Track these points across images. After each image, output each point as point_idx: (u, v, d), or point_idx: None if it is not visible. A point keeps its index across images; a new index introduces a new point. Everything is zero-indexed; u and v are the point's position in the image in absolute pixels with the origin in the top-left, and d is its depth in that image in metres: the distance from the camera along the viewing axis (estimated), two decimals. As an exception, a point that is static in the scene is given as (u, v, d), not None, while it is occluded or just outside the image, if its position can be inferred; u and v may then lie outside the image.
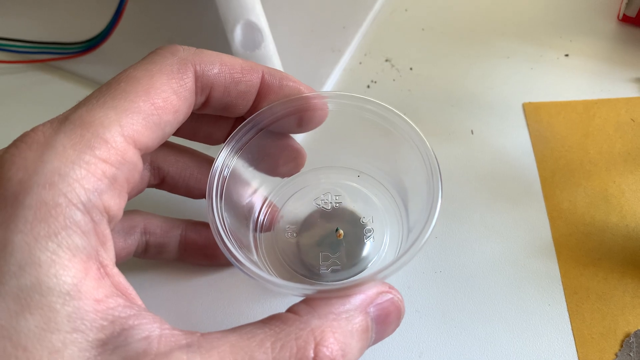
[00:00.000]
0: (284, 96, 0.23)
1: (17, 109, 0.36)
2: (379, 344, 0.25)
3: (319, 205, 0.27)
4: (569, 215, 0.28)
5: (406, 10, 0.39)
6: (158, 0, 0.40)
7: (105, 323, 0.15)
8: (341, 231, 0.26)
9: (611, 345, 0.24)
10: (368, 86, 0.35)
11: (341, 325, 0.17)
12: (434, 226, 0.20)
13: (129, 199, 0.23)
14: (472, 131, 0.32)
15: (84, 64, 0.37)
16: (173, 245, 0.25)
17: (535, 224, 0.28)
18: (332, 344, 0.17)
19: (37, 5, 0.41)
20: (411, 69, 0.36)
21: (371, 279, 0.18)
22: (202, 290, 0.27)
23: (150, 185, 0.25)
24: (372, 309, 0.18)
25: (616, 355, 0.24)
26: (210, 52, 0.21)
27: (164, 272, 0.27)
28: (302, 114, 0.23)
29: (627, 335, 0.24)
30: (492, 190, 0.29)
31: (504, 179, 0.30)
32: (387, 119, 0.23)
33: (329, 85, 0.35)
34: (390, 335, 0.25)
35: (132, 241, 0.24)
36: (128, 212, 0.25)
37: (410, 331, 0.25)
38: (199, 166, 0.25)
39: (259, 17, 0.29)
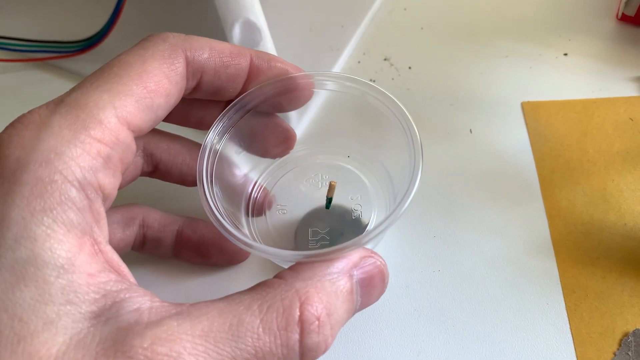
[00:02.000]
0: (273, 77, 0.23)
1: (16, 107, 0.36)
2: (377, 341, 0.25)
3: (310, 184, 0.27)
4: (567, 214, 0.28)
5: (405, 9, 0.39)
6: (157, -1, 0.39)
7: (97, 296, 0.16)
8: (333, 182, 0.26)
9: (609, 344, 0.24)
10: (367, 85, 0.35)
11: (325, 287, 0.18)
12: (414, 194, 0.20)
13: (122, 186, 0.24)
14: (470, 130, 0.32)
15: (83, 63, 0.37)
16: (169, 241, 0.26)
17: (533, 223, 0.28)
18: (316, 303, 0.17)
19: (36, 4, 0.41)
20: (410, 68, 0.36)
21: (353, 244, 0.19)
22: (198, 290, 0.27)
23: (143, 173, 0.25)
24: (355, 272, 0.19)
25: (614, 354, 0.24)
26: (199, 37, 0.22)
27: (161, 270, 0.28)
28: (289, 94, 0.24)
29: (626, 334, 0.24)
30: (490, 189, 0.29)
31: (502, 178, 0.30)
32: (373, 97, 0.24)
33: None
34: (388, 334, 0.25)
35: (131, 232, 0.25)
36: (128, 204, 0.25)
37: (409, 330, 0.25)
38: (191, 153, 0.25)
39: (258, 16, 0.29)
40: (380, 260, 0.20)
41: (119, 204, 0.25)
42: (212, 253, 0.27)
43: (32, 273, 0.15)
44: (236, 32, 0.29)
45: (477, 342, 0.24)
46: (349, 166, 0.28)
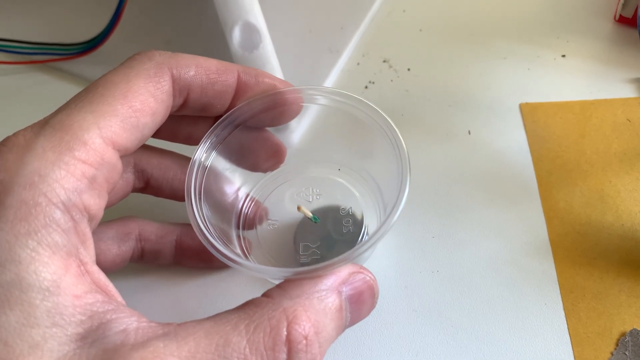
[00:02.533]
0: (261, 93, 0.23)
1: (17, 109, 0.36)
2: (376, 343, 0.25)
3: (300, 198, 0.28)
4: (565, 215, 0.28)
5: (404, 11, 0.40)
6: (157, 1, 0.40)
7: (83, 318, 0.16)
8: (306, 211, 0.26)
9: (607, 344, 0.24)
10: (366, 87, 0.35)
11: (313, 304, 0.18)
12: (402, 209, 0.20)
13: (114, 203, 0.24)
14: (469, 131, 0.32)
15: (84, 65, 0.37)
16: (168, 251, 0.26)
17: (531, 224, 0.28)
18: (304, 322, 0.17)
19: (37, 6, 0.41)
20: (409, 69, 0.36)
21: (342, 259, 0.19)
22: (197, 293, 0.27)
23: (135, 190, 0.25)
24: (345, 289, 0.19)
25: (612, 354, 0.24)
26: (186, 55, 0.22)
27: (159, 275, 0.28)
28: (278, 109, 0.24)
29: (623, 334, 0.24)
30: (489, 190, 0.29)
31: (500, 179, 0.30)
32: (361, 111, 0.24)
33: (327, 86, 0.35)
34: (387, 335, 0.25)
35: (127, 247, 0.25)
36: (123, 218, 0.25)
37: (407, 330, 0.25)
38: (182, 168, 0.25)
39: (257, 18, 0.29)
40: (370, 275, 0.20)
41: (113, 217, 0.25)
42: (215, 257, 0.26)
43: (17, 296, 0.15)
44: (236, 34, 0.29)
45: (475, 342, 0.25)
46: (339, 179, 0.28)
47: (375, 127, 0.23)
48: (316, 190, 0.28)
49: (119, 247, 0.24)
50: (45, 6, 0.41)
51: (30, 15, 0.41)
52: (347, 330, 0.25)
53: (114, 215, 0.25)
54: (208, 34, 0.37)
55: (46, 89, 0.37)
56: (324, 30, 0.37)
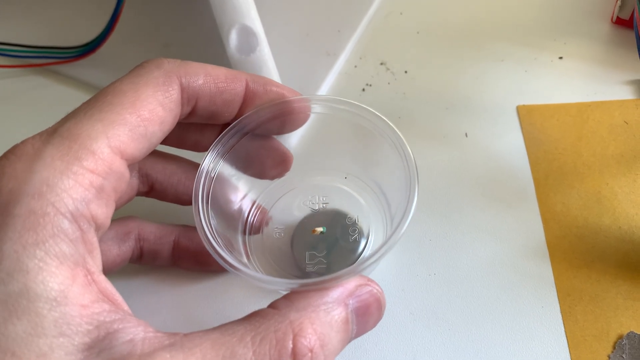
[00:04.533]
0: (269, 101, 0.23)
1: (15, 113, 0.36)
2: (373, 346, 0.25)
3: (307, 206, 0.28)
4: (562, 218, 0.28)
5: (401, 13, 0.40)
6: (154, 4, 0.40)
7: (90, 327, 0.16)
8: (318, 229, 0.26)
9: (604, 347, 0.24)
10: (363, 89, 0.35)
11: (319, 317, 0.18)
12: (410, 221, 0.20)
13: (118, 207, 0.24)
14: (466, 134, 0.32)
15: (81, 68, 0.37)
16: (166, 252, 0.26)
17: (528, 227, 0.28)
18: (310, 335, 0.17)
19: (34, 9, 0.41)
20: (406, 72, 0.36)
21: (349, 272, 0.19)
22: (196, 297, 0.27)
23: (139, 193, 0.25)
24: (351, 302, 0.19)
25: (609, 357, 0.24)
26: (194, 63, 0.22)
27: (158, 278, 0.28)
28: (285, 117, 0.24)
29: (620, 337, 0.24)
30: (485, 192, 0.29)
31: (497, 181, 0.30)
32: (368, 120, 0.24)
33: (324, 89, 0.35)
34: (384, 338, 0.25)
35: (127, 248, 0.25)
36: (122, 218, 0.25)
37: (404, 333, 0.25)
38: (186, 173, 0.25)
39: (254, 21, 0.29)
40: (377, 288, 0.20)
41: (114, 217, 0.25)
42: (211, 260, 0.26)
43: (25, 306, 0.15)
44: (233, 38, 0.29)
45: (472, 345, 0.25)
46: (346, 187, 0.28)
47: (383, 136, 0.23)
48: (322, 199, 0.28)
49: (119, 248, 0.24)
50: (43, 9, 0.41)
51: (28, 18, 0.41)
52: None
53: (114, 215, 0.25)
54: (205, 37, 0.37)
55: (44, 93, 0.37)
56: (321, 33, 0.38)
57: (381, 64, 0.36)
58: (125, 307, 0.18)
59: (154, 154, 0.25)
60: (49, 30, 0.40)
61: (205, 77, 0.21)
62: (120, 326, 0.16)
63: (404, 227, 0.20)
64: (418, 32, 0.38)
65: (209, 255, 0.26)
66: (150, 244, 0.25)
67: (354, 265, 0.19)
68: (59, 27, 0.40)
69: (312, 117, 0.25)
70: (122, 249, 0.24)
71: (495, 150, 0.31)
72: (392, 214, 0.25)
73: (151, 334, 0.16)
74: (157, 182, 0.25)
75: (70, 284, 0.16)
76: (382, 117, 0.23)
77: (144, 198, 0.26)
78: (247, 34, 0.29)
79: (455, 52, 0.37)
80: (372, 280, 0.20)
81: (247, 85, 0.23)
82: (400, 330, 0.25)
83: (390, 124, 0.23)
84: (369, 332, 0.25)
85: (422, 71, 0.36)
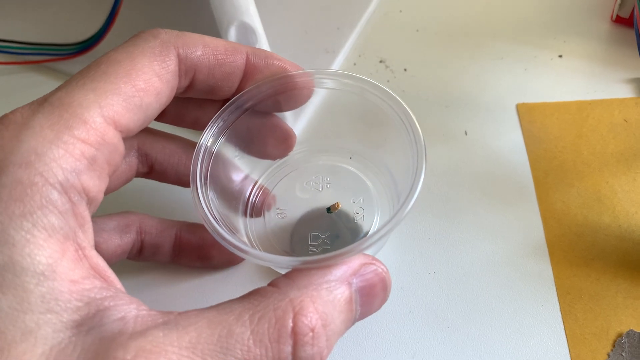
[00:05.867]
0: (271, 76, 0.23)
1: (11, 110, 0.36)
2: (372, 344, 0.25)
3: (310, 187, 0.27)
4: (562, 216, 0.28)
5: (400, 11, 0.39)
6: (152, 1, 0.40)
7: (80, 304, 0.15)
8: (336, 204, 0.25)
9: (603, 345, 0.24)
10: (362, 87, 0.35)
11: (321, 295, 0.17)
12: (417, 197, 0.19)
13: (116, 187, 0.23)
14: (465, 132, 0.32)
15: (79, 65, 0.37)
16: (167, 246, 0.25)
17: (528, 225, 0.28)
18: (311, 313, 0.16)
19: (32, 6, 0.41)
20: (405, 70, 0.36)
21: (353, 249, 0.18)
22: (194, 294, 0.27)
23: (138, 174, 0.24)
24: (355, 281, 0.18)
25: (608, 355, 0.24)
26: (193, 34, 0.21)
27: (157, 275, 0.27)
28: (288, 93, 0.23)
29: (620, 335, 0.24)
30: (485, 190, 0.29)
31: (497, 179, 0.30)
32: (375, 95, 0.23)
33: (324, 86, 0.35)
34: (383, 336, 0.25)
35: (128, 239, 0.24)
36: (123, 212, 0.25)
37: (404, 332, 0.25)
38: (187, 153, 0.24)
39: (253, 18, 0.29)
40: (382, 267, 0.19)
41: (113, 212, 0.25)
42: (213, 254, 0.26)
43: (10, 280, 0.14)
44: (231, 35, 0.29)
45: (472, 343, 0.24)
46: (351, 168, 0.27)
47: (389, 112, 0.22)
48: (326, 179, 0.27)
49: (120, 238, 0.24)
50: (41, 6, 0.41)
51: (26, 15, 0.41)
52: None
53: (113, 206, 0.25)
54: (204, 33, 0.37)
55: (41, 90, 0.36)
56: (320, 31, 0.37)
57: (380, 61, 0.36)
58: (118, 284, 0.17)
59: (153, 133, 0.24)
60: (47, 27, 0.39)
61: (203, 49, 0.21)
62: (111, 303, 0.15)
63: (411, 202, 0.19)
64: (417, 30, 0.38)
65: (211, 248, 0.26)
66: (151, 236, 0.25)
67: (358, 242, 0.18)
68: (56, 24, 0.39)
69: (315, 93, 0.24)
70: (123, 240, 0.24)
71: (495, 148, 0.31)
72: (399, 194, 0.24)
73: (144, 312, 0.16)
74: (157, 162, 0.24)
75: (59, 258, 0.15)
76: (390, 91, 0.22)
77: (144, 194, 0.26)
78: (246, 30, 0.29)
79: (455, 50, 0.36)
80: (377, 259, 0.19)
81: (247, 58, 0.22)
82: (400, 329, 0.25)
83: (399, 98, 0.22)
84: (368, 331, 0.25)
85: (421, 69, 0.36)
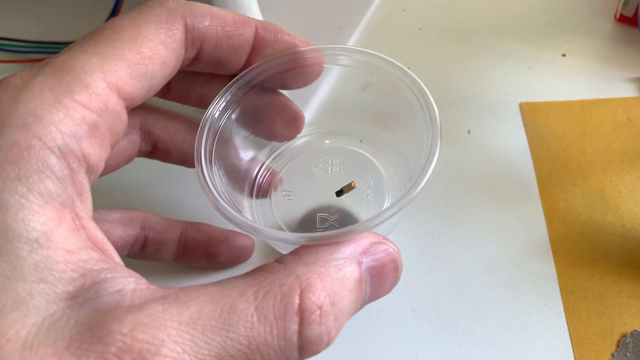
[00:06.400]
0: (280, 51, 0.22)
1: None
2: (375, 343, 0.25)
3: (318, 169, 0.26)
4: (565, 215, 0.28)
5: (403, 10, 0.39)
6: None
7: (75, 275, 0.14)
8: (353, 182, 0.24)
9: (607, 346, 0.24)
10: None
11: (330, 273, 0.16)
12: (429, 178, 0.18)
13: (119, 165, 0.22)
14: (469, 131, 0.32)
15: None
16: (172, 243, 0.25)
17: (531, 224, 0.28)
18: (319, 290, 0.15)
19: (33, 5, 0.41)
20: (408, 68, 0.35)
21: (362, 227, 0.17)
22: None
23: (142, 153, 0.24)
24: (365, 260, 0.17)
25: (612, 355, 0.24)
26: (201, 4, 0.20)
27: (161, 276, 0.27)
28: (296, 70, 0.22)
29: (624, 336, 0.24)
30: (488, 190, 0.29)
31: (500, 179, 0.30)
32: (388, 71, 0.22)
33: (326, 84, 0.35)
34: (386, 335, 0.25)
35: (131, 232, 0.24)
36: (128, 208, 0.25)
37: (407, 331, 0.25)
38: (191, 130, 0.24)
39: (256, 16, 0.29)
40: (393, 247, 0.18)
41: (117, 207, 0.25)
42: (220, 251, 0.26)
43: (2, 246, 0.14)
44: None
45: (475, 343, 0.24)
46: (361, 151, 0.26)
47: (404, 90, 0.21)
48: (336, 162, 0.26)
49: (123, 230, 0.23)
50: (42, 5, 0.41)
51: (27, 14, 0.41)
52: (345, 330, 0.25)
53: (116, 203, 0.24)
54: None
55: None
56: (322, 30, 0.37)
57: (383, 60, 0.36)
58: (117, 258, 0.16)
59: (157, 110, 0.24)
60: (48, 25, 0.39)
61: (211, 19, 0.20)
62: (108, 275, 0.15)
63: (424, 181, 0.18)
64: (420, 29, 0.38)
65: (218, 245, 0.25)
66: (156, 232, 0.24)
67: (368, 219, 0.17)
68: (57, 23, 0.39)
69: (325, 70, 0.23)
70: (126, 232, 0.23)
71: (498, 147, 0.31)
72: (411, 175, 0.23)
73: (143, 286, 0.15)
74: (161, 141, 0.23)
75: (54, 225, 0.14)
76: (405, 68, 0.21)
77: (147, 193, 0.26)
78: (249, 29, 0.29)
79: (458, 49, 0.36)
80: (387, 239, 0.18)
81: (256, 31, 0.21)
82: (403, 328, 0.25)
83: (414, 75, 0.21)
84: (371, 330, 0.25)
85: (424, 68, 0.35)
